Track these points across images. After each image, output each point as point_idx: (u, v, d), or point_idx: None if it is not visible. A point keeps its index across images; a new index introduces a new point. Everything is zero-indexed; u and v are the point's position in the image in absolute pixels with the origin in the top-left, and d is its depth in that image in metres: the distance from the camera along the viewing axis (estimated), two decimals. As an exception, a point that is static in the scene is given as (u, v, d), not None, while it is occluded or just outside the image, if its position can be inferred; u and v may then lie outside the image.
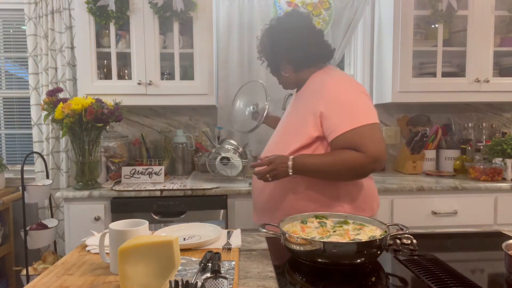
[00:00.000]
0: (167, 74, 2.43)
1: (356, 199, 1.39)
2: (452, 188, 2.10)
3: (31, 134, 2.55)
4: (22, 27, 2.62)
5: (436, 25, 2.41)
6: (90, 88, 2.23)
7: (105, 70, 2.40)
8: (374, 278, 0.92)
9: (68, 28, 2.42)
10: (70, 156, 2.45)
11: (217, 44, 2.55)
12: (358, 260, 0.93)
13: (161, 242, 0.80)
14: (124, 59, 2.42)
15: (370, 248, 0.93)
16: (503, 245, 0.93)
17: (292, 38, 1.43)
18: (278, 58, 1.47)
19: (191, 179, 2.28)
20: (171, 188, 2.03)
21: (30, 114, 2.51)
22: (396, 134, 2.75)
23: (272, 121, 1.90)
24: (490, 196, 2.12)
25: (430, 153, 2.57)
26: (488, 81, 2.36)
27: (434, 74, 2.40)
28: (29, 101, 2.52)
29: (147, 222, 0.97)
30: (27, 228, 2.14)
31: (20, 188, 2.13)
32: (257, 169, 1.36)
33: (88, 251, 1.10)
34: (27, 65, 2.47)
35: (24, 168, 2.16)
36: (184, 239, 1.14)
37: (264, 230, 1.04)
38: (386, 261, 1.02)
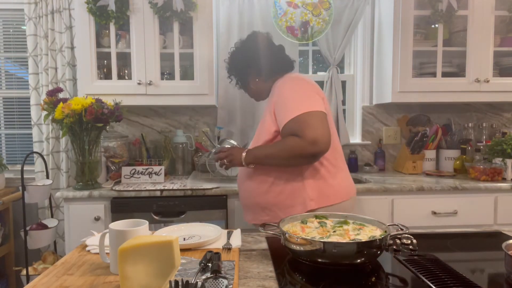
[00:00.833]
0: (167, 74, 2.43)
1: (321, 183, 1.52)
2: (452, 188, 2.10)
3: (31, 134, 2.55)
4: (22, 27, 2.62)
5: (436, 25, 2.41)
6: (90, 88, 2.23)
7: (105, 70, 2.40)
8: (374, 278, 0.92)
9: (68, 28, 2.42)
10: (70, 156, 2.45)
11: (217, 44, 2.55)
12: (358, 260, 0.93)
13: (161, 242, 0.80)
14: (124, 59, 2.42)
15: (370, 248, 0.93)
16: (503, 245, 0.92)
17: (257, 53, 1.66)
18: (247, 72, 1.70)
19: (191, 179, 2.28)
20: (171, 188, 2.03)
21: (30, 114, 2.51)
22: (396, 134, 2.75)
23: None
24: (490, 196, 2.12)
25: (430, 153, 2.57)
26: (488, 81, 2.36)
27: (434, 74, 2.40)
28: (29, 101, 2.52)
29: (147, 222, 0.97)
30: (27, 228, 2.14)
31: (20, 188, 2.13)
32: (217, 155, 1.64)
33: (88, 251, 1.10)
34: (27, 65, 2.47)
35: (24, 168, 2.16)
36: (184, 239, 1.14)
37: (263, 230, 1.04)
38: (386, 261, 1.02)
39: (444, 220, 2.12)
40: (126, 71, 2.42)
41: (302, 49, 2.73)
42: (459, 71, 2.47)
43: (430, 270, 0.92)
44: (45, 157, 2.40)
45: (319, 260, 0.93)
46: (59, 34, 2.42)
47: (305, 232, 1.04)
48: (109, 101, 2.07)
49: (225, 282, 0.84)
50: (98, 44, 2.30)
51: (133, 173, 2.18)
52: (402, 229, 1.01)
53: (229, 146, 1.63)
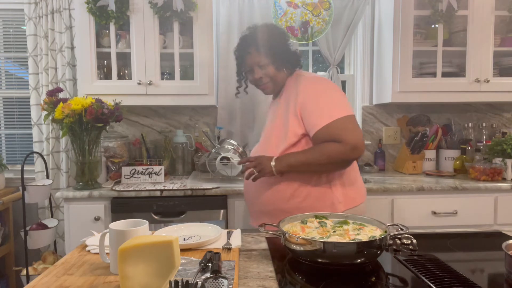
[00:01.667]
0: (167, 74, 2.43)
1: (347, 186, 1.50)
2: (452, 188, 2.10)
3: (31, 134, 2.55)
4: (22, 27, 2.62)
5: (436, 25, 2.41)
6: (90, 88, 2.23)
7: (105, 70, 2.40)
8: (374, 278, 0.92)
9: (68, 28, 2.42)
10: (70, 156, 2.45)
11: (217, 44, 2.55)
12: (358, 260, 0.93)
13: (161, 242, 0.80)
14: (124, 59, 2.42)
15: (370, 248, 0.93)
16: (503, 245, 0.93)
17: (275, 39, 1.57)
18: (261, 59, 1.55)
19: (191, 179, 2.28)
20: (171, 188, 2.03)
21: (30, 114, 2.51)
22: (396, 134, 2.75)
23: None
24: (490, 196, 2.12)
25: (430, 153, 2.57)
26: (488, 81, 2.36)
27: (434, 74, 2.40)
28: (29, 101, 2.52)
29: (147, 222, 0.97)
30: (27, 228, 2.14)
31: (20, 188, 2.13)
32: (245, 165, 1.51)
33: (88, 251, 1.10)
34: (27, 65, 2.47)
35: (24, 168, 2.16)
36: (184, 239, 1.14)
37: (263, 230, 1.04)
38: (386, 261, 1.02)
39: (444, 220, 2.11)
40: (126, 71, 2.42)
41: (302, 49, 2.73)
42: (459, 71, 2.47)
43: (430, 270, 0.92)
44: (45, 157, 2.40)
45: (319, 260, 0.93)
46: (59, 34, 2.42)
47: (305, 232, 1.04)
48: (109, 101, 2.07)
49: (225, 282, 0.84)
50: (98, 44, 2.30)
51: (133, 173, 2.18)
52: (402, 229, 1.01)
53: (257, 156, 1.50)
